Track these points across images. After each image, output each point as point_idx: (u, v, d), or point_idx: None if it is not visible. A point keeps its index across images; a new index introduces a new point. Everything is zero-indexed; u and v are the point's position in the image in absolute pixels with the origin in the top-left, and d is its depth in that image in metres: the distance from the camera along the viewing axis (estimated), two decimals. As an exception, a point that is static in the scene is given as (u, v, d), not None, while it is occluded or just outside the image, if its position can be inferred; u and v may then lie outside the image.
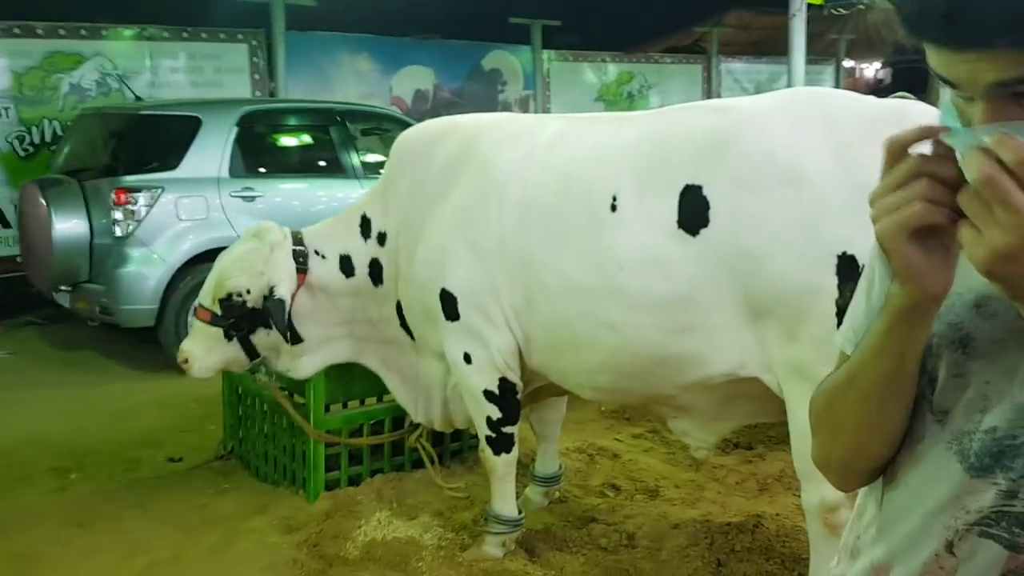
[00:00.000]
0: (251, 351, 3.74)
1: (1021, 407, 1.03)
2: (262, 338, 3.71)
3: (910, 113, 2.75)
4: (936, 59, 0.97)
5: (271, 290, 3.56)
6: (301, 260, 3.66)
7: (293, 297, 3.62)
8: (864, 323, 1.21)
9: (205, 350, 3.73)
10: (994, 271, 0.89)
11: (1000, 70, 0.92)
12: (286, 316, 3.56)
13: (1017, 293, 0.92)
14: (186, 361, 3.74)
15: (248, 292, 3.62)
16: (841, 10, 11.07)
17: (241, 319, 3.66)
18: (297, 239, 3.72)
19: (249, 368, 3.88)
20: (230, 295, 3.63)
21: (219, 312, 3.67)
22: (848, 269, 2.61)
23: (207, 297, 3.72)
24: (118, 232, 6.34)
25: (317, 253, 3.71)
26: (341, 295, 3.73)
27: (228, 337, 3.70)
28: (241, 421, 4.50)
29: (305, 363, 3.81)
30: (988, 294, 1.06)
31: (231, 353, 3.75)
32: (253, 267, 3.62)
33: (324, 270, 3.70)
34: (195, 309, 6.16)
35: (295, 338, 3.66)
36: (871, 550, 1.17)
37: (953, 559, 1.06)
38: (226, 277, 3.66)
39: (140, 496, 4.19)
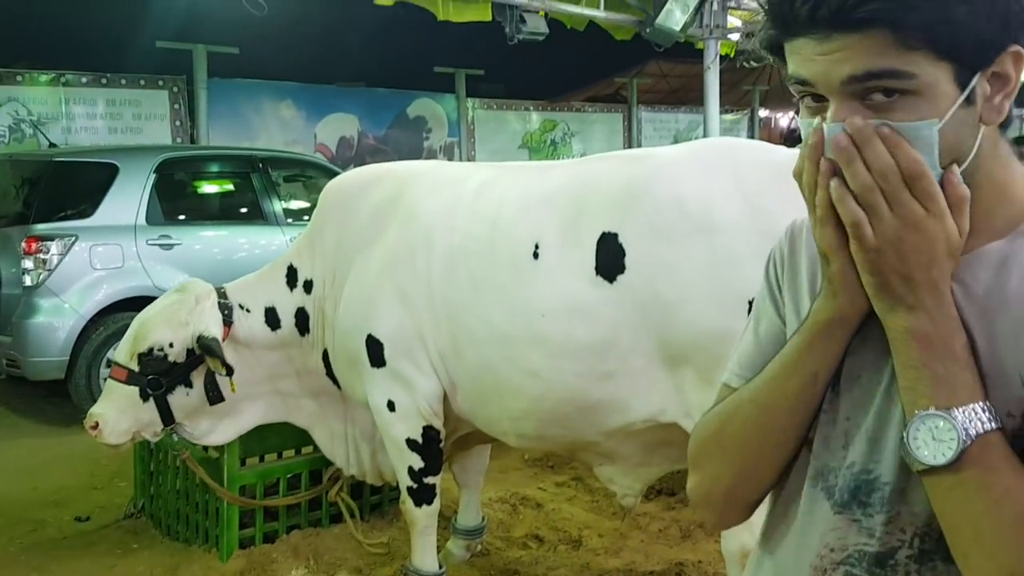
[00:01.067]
0: (167, 414, 3.53)
1: (875, 440, 1.04)
2: (180, 399, 3.52)
3: (816, 162, 2.83)
4: (796, 61, 1.02)
5: (200, 335, 3.43)
6: (226, 313, 3.56)
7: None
8: (753, 356, 1.22)
9: (118, 412, 3.51)
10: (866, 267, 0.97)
11: (855, 61, 0.95)
12: (218, 351, 3.40)
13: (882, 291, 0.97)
14: (95, 426, 3.51)
15: (171, 346, 3.47)
16: (753, 63, 11.42)
17: (161, 375, 3.48)
18: (221, 293, 3.63)
19: (161, 437, 3.71)
20: (151, 349, 3.47)
21: (137, 368, 3.49)
22: (760, 315, 2.66)
23: (124, 354, 3.53)
24: (28, 282, 6.15)
25: (241, 307, 3.63)
26: (267, 348, 3.64)
27: (144, 397, 3.50)
28: (152, 477, 4.35)
29: (226, 426, 3.67)
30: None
31: (145, 416, 3.53)
32: (177, 319, 3.49)
33: (249, 323, 3.61)
34: (109, 365, 6.17)
35: (215, 397, 3.52)
36: None
37: None
38: (148, 330, 3.51)
39: (43, 559, 4.00)
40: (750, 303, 2.66)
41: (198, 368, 3.51)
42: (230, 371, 3.42)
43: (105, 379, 6.06)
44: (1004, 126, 1.06)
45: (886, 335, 1.00)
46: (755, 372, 1.17)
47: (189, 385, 3.53)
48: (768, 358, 1.15)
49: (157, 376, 3.48)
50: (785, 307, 1.22)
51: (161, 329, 3.48)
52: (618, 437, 3.02)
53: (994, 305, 0.98)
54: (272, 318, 3.63)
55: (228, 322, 3.55)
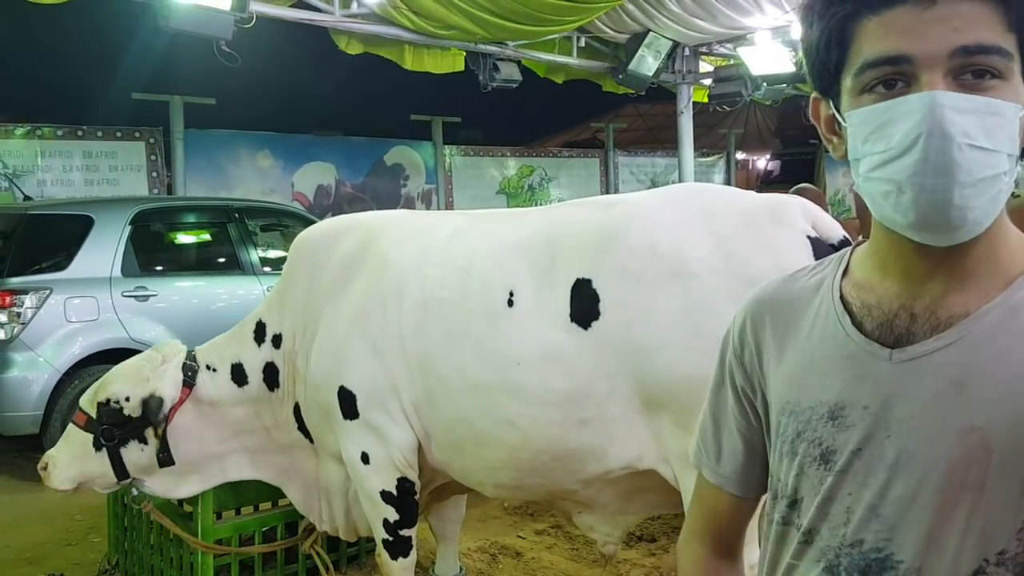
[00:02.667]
0: (120, 468, 3.52)
1: (884, 517, 1.00)
2: (134, 454, 3.51)
3: (785, 207, 2.87)
4: (886, 35, 0.95)
5: (150, 394, 3.45)
6: (189, 375, 3.56)
7: (173, 410, 3.49)
8: (718, 442, 1.23)
9: (69, 457, 3.52)
10: None
11: (968, 32, 0.91)
12: (162, 414, 3.43)
13: None
14: (45, 467, 3.54)
15: (127, 400, 3.47)
16: (727, 107, 11.62)
17: (115, 427, 3.49)
18: (191, 356, 3.65)
19: (114, 490, 3.69)
20: (108, 400, 3.50)
21: (95, 416, 3.52)
22: (736, 359, 2.68)
23: (86, 400, 3.59)
24: (1, 335, 6.08)
25: (208, 367, 3.62)
26: (234, 405, 3.62)
27: (97, 446, 3.50)
28: (126, 532, 4.28)
29: (190, 482, 3.64)
30: (841, 403, 1.05)
31: (96, 467, 3.52)
32: (140, 375, 3.52)
33: (215, 382, 3.60)
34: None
35: (166, 459, 3.49)
36: None
37: None
38: (110, 381, 3.56)
39: (15, 619, 3.91)
40: (725, 347, 2.68)
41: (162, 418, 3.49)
42: (167, 461, 3.46)
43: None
44: None
45: (885, 408, 0.99)
46: (722, 460, 1.19)
47: (144, 441, 3.51)
48: (732, 441, 1.18)
49: (111, 427, 3.49)
50: (767, 367, 1.18)
51: (121, 382, 3.52)
52: (596, 485, 3.01)
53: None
54: (238, 374, 3.61)
55: (189, 383, 3.54)
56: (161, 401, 3.44)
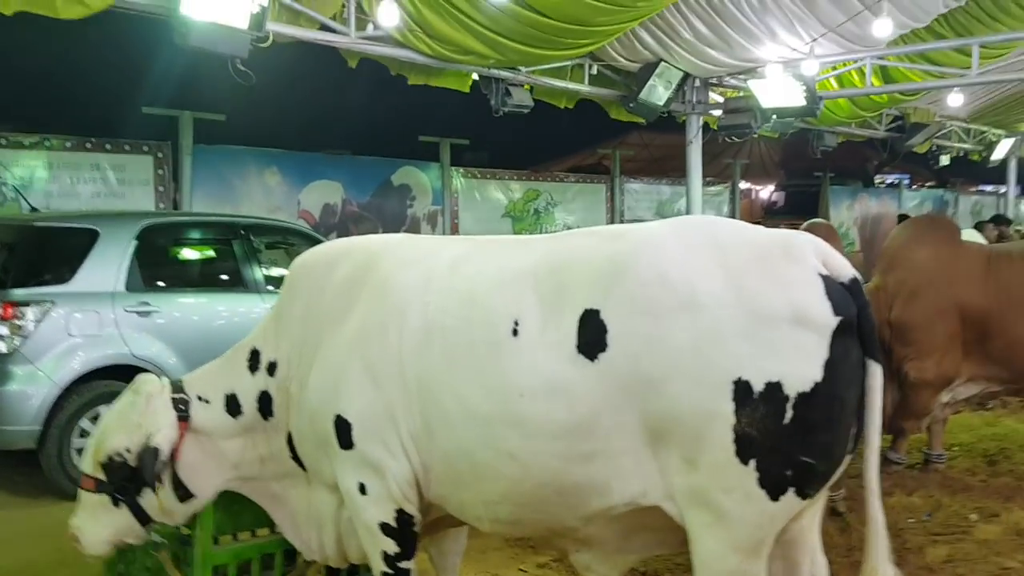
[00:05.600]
0: (142, 516, 3.47)
1: None
2: (151, 499, 3.45)
3: (796, 243, 2.84)
4: None
5: (145, 446, 3.36)
6: (182, 408, 3.48)
7: (177, 448, 3.43)
8: None
9: (94, 523, 3.46)
10: None
11: None
12: (157, 466, 3.34)
13: None
14: (76, 539, 3.48)
15: (128, 451, 3.39)
16: (735, 138, 11.66)
17: (126, 480, 3.41)
18: (177, 387, 3.56)
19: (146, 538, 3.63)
20: (110, 457, 3.40)
21: (103, 477, 3.43)
22: (744, 395, 2.64)
23: (88, 463, 3.48)
24: (2, 348, 6.05)
25: (200, 398, 3.54)
26: (229, 437, 3.55)
27: (116, 503, 3.44)
28: (121, 554, 4.21)
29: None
30: None
31: (122, 522, 3.47)
32: (130, 422, 3.42)
33: (209, 414, 3.53)
34: (82, 435, 6.06)
35: (184, 494, 3.44)
36: None
37: None
38: (104, 438, 3.45)
39: (6, 639, 3.86)
40: (734, 383, 2.65)
41: (161, 467, 3.42)
42: (185, 495, 3.43)
43: (77, 450, 6.01)
44: None
45: None
46: None
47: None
48: None
49: (123, 482, 3.42)
50: None
51: (116, 436, 3.42)
52: (598, 522, 2.95)
53: None
54: (233, 405, 3.54)
55: (184, 417, 3.47)
56: (155, 451, 3.34)
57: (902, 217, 15.42)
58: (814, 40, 9.66)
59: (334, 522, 3.50)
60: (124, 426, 3.42)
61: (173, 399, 3.48)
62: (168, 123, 10.31)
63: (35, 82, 16.31)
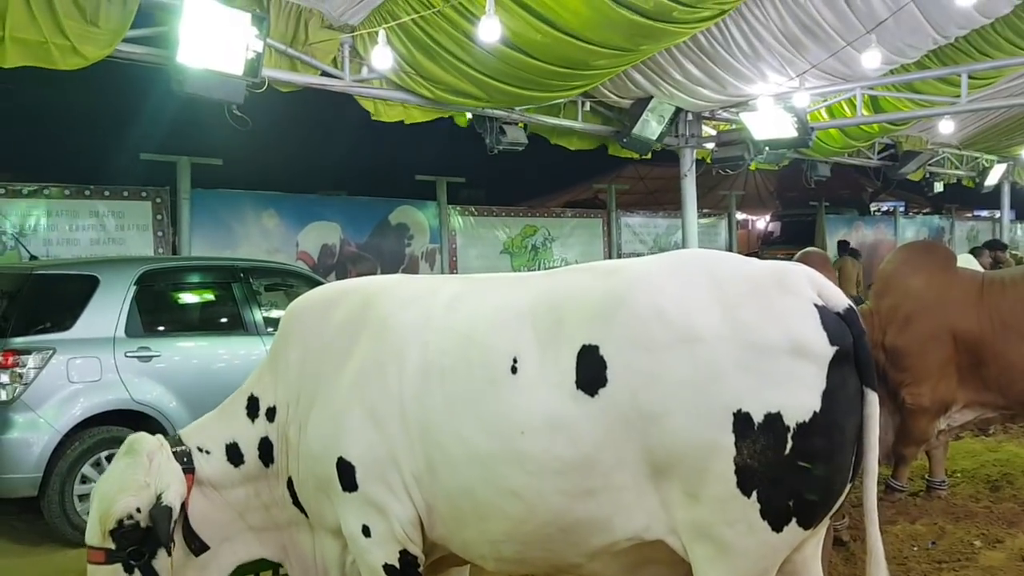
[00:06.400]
0: None
1: None
2: (164, 561, 3.32)
3: (791, 275, 2.87)
4: None
5: (158, 499, 3.26)
6: (186, 460, 3.41)
7: (185, 502, 3.35)
8: None
9: None
10: None
11: None
12: (172, 525, 3.25)
13: None
14: None
15: (138, 511, 3.27)
16: (729, 171, 11.75)
17: (140, 545, 3.29)
18: (175, 440, 3.50)
19: None
20: (120, 522, 3.24)
21: (113, 546, 3.28)
22: (745, 427, 2.66)
23: (95, 535, 3.31)
24: (3, 396, 6.05)
25: (200, 449, 3.49)
26: (233, 487, 3.50)
27: (129, 571, 3.30)
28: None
29: (211, 572, 3.49)
30: None
31: None
32: (136, 482, 3.29)
33: (211, 465, 3.47)
34: (84, 481, 6.04)
35: (200, 547, 3.36)
36: None
37: None
38: (110, 503, 3.27)
39: None
40: (734, 415, 2.66)
41: (173, 525, 3.34)
42: (201, 548, 3.34)
43: (79, 496, 5.99)
44: None
45: None
46: None
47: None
48: None
49: (135, 547, 3.28)
50: None
51: (123, 499, 3.26)
52: (602, 558, 2.95)
53: None
54: (234, 454, 3.49)
55: (189, 469, 3.41)
56: (168, 511, 3.24)
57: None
58: (803, 73, 9.78)
59: (339, 567, 3.45)
60: (130, 487, 3.28)
61: (175, 452, 3.41)
62: (166, 169, 10.39)
63: (33, 130, 16.44)
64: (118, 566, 3.29)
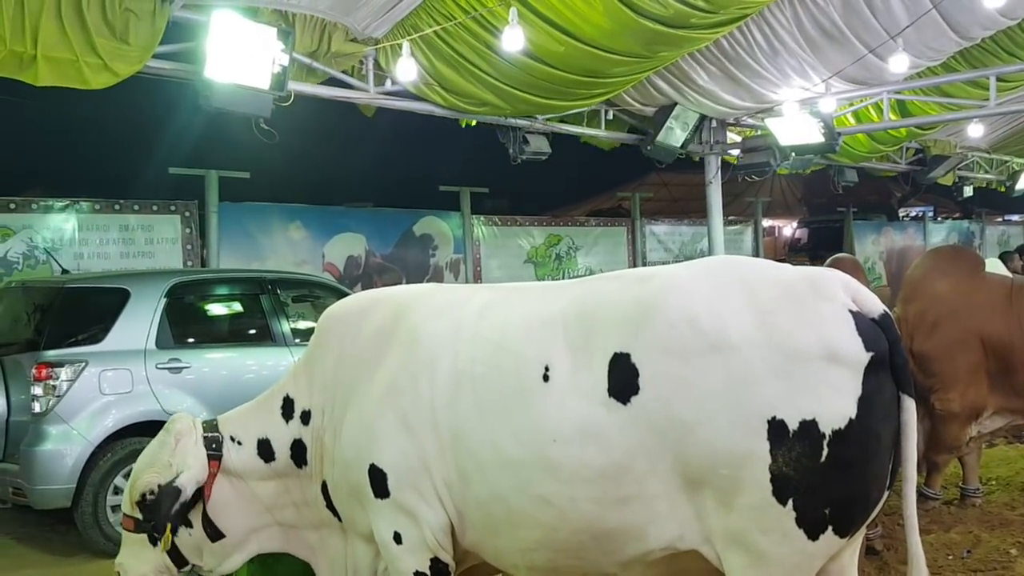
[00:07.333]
0: (177, 556, 3.52)
1: None
2: (184, 539, 3.50)
3: (825, 280, 2.85)
4: None
5: (158, 484, 3.40)
6: (214, 447, 3.52)
7: (208, 487, 3.47)
8: None
9: (135, 560, 3.53)
10: None
11: None
12: (175, 506, 3.38)
13: None
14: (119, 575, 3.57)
15: (160, 487, 3.42)
16: (755, 177, 11.69)
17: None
18: (211, 426, 3.60)
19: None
20: (143, 495, 3.44)
21: (140, 516, 3.47)
22: (779, 434, 2.64)
23: (127, 503, 3.54)
24: (37, 408, 6.13)
25: (233, 439, 3.58)
26: (261, 480, 3.58)
27: (152, 542, 3.49)
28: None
29: (233, 560, 3.61)
30: None
31: (159, 560, 3.52)
32: (161, 461, 3.46)
33: (241, 456, 3.56)
34: (116, 492, 6.09)
35: (215, 534, 3.48)
36: None
37: None
38: (137, 477, 3.50)
39: None
40: (769, 422, 2.64)
41: (194, 507, 3.48)
42: (216, 535, 3.46)
43: (112, 507, 6.05)
44: None
45: None
46: None
47: (189, 525, 3.50)
48: None
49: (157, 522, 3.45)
50: None
51: (148, 474, 3.46)
52: (635, 568, 2.94)
53: None
54: (266, 450, 3.57)
55: (216, 456, 3.51)
56: (176, 492, 3.38)
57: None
58: (829, 77, 9.73)
59: (371, 573, 3.49)
60: (155, 465, 3.47)
61: (205, 438, 3.53)
62: (194, 182, 10.49)
63: (64, 146, 16.66)
64: (144, 536, 3.48)
